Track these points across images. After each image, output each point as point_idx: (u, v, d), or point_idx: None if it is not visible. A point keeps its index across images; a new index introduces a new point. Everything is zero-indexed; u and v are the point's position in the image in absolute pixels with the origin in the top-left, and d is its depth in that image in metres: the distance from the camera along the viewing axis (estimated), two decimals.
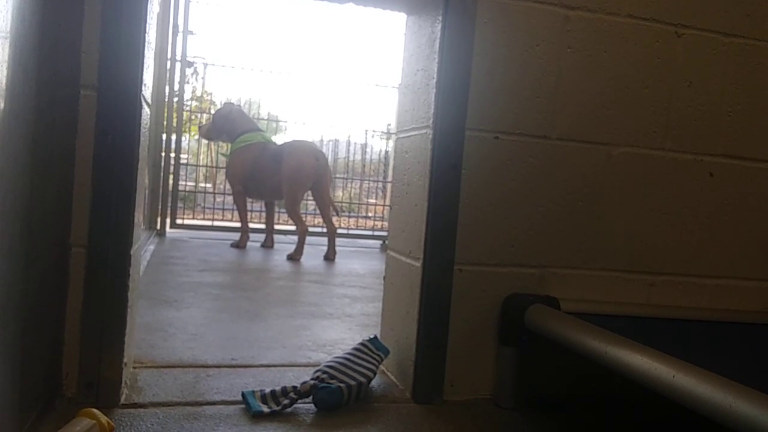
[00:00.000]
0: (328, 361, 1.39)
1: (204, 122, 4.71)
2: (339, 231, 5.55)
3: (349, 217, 6.20)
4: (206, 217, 5.63)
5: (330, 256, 4.04)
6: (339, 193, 6.76)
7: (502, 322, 1.39)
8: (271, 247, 4.39)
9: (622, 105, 1.46)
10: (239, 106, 4.62)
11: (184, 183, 5.13)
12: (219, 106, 4.63)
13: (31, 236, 0.96)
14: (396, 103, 5.42)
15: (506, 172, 1.40)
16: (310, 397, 1.27)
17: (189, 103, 5.77)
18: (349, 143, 6.21)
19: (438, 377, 1.38)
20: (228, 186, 4.55)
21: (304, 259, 3.85)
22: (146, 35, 1.18)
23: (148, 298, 2.20)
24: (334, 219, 4.28)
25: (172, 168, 4.85)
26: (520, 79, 1.39)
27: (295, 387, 1.28)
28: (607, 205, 1.47)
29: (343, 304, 2.44)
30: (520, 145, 1.40)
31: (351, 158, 6.33)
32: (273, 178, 4.06)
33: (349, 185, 6.60)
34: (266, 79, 5.84)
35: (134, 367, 1.41)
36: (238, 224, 4.41)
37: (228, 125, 4.29)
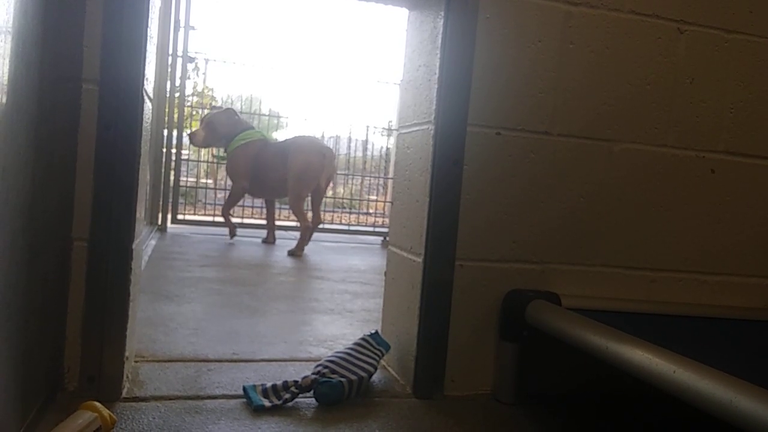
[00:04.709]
0: (329, 356, 1.39)
1: (197, 126, 4.47)
2: (340, 227, 5.57)
3: (350, 213, 6.20)
4: (207, 212, 5.63)
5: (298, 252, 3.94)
6: (340, 190, 6.77)
7: (503, 317, 1.39)
8: (273, 242, 4.39)
9: (624, 101, 1.45)
10: (231, 108, 4.57)
11: (185, 179, 5.12)
12: (211, 111, 4.43)
13: (34, 230, 0.96)
14: (397, 99, 5.42)
15: (508, 168, 1.40)
16: (312, 392, 1.28)
17: (190, 98, 5.76)
18: (350, 140, 6.20)
19: (439, 372, 1.38)
20: (228, 182, 4.53)
21: (303, 255, 3.86)
22: (148, 30, 1.18)
23: (150, 293, 2.20)
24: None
25: (173, 164, 4.85)
26: (521, 75, 1.39)
27: (296, 381, 1.29)
28: (608, 201, 1.47)
29: (344, 300, 2.45)
30: (522, 141, 1.40)
31: (352, 155, 6.32)
32: (277, 174, 4.04)
33: (350, 182, 6.59)
34: (267, 75, 5.83)
35: (136, 361, 1.42)
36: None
37: (229, 129, 4.23)
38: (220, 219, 4.96)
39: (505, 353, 1.39)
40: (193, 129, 4.29)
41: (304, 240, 3.93)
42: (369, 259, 4.02)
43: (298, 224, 4.06)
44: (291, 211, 4.25)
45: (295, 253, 3.84)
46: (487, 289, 1.40)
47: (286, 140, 4.23)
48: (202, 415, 1.17)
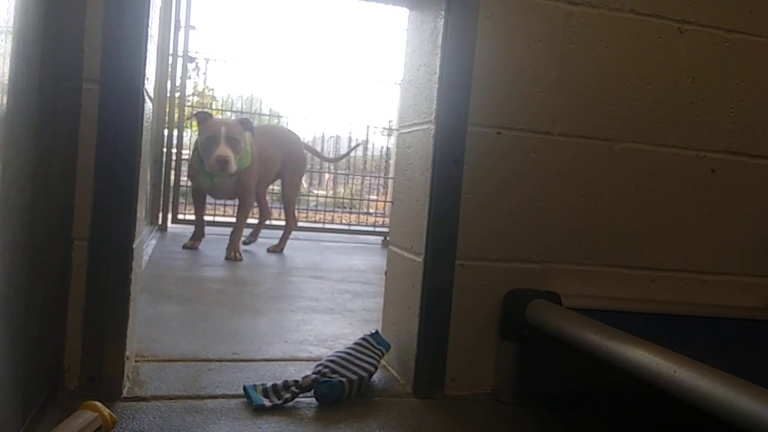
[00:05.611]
0: (329, 356, 1.39)
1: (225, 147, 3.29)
2: (340, 227, 5.57)
3: (351, 213, 6.20)
4: (207, 212, 5.62)
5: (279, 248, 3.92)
6: (341, 190, 6.76)
7: (503, 317, 1.39)
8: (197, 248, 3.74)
9: (624, 101, 1.45)
10: (245, 117, 4.06)
11: (185, 179, 5.11)
12: (218, 123, 3.37)
13: (34, 230, 0.96)
14: (397, 99, 5.42)
15: (508, 168, 1.40)
16: (312, 391, 1.28)
17: (190, 98, 5.76)
18: (350, 139, 6.20)
19: (439, 372, 1.38)
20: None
21: (303, 254, 3.86)
22: (148, 29, 1.18)
23: (150, 293, 2.20)
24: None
25: (173, 164, 4.85)
26: (522, 75, 1.39)
27: (296, 381, 1.29)
28: (608, 201, 1.47)
29: (345, 300, 2.45)
30: (522, 140, 1.40)
31: (352, 154, 6.32)
32: (275, 165, 3.86)
33: (350, 182, 6.59)
34: (267, 75, 5.80)
35: (136, 361, 1.42)
36: (235, 219, 4.36)
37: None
38: (220, 219, 4.94)
39: (506, 353, 1.39)
40: (220, 154, 3.25)
41: (288, 237, 3.94)
42: (369, 258, 4.02)
43: (287, 221, 3.98)
44: (284, 208, 4.05)
45: (277, 250, 3.83)
46: (487, 288, 1.40)
47: (267, 128, 4.13)
48: (203, 415, 1.17)
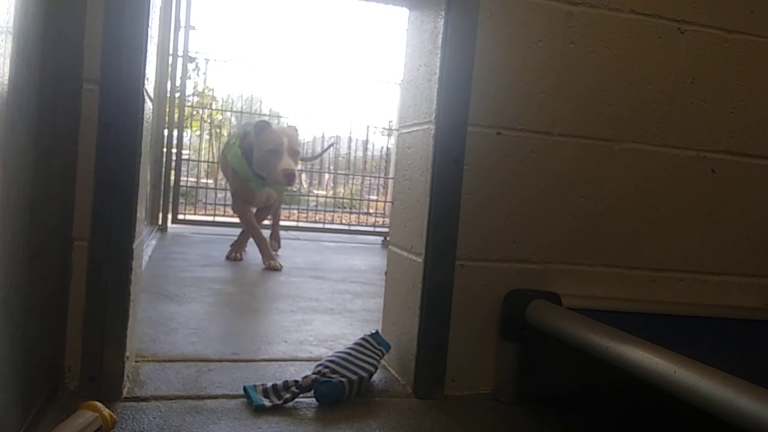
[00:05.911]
0: (329, 356, 1.39)
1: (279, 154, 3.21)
2: (340, 227, 5.57)
3: (351, 213, 6.20)
4: (207, 212, 5.63)
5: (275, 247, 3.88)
6: (341, 190, 6.77)
7: (503, 317, 1.39)
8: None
9: (625, 101, 1.45)
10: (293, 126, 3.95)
11: (185, 179, 5.12)
12: (273, 132, 3.25)
13: (34, 230, 0.96)
14: (397, 99, 5.42)
15: (508, 168, 1.40)
16: (312, 392, 1.28)
17: (190, 98, 5.77)
18: (350, 140, 6.20)
19: (439, 372, 1.38)
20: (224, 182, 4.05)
21: (304, 254, 3.86)
22: (149, 29, 1.18)
23: (150, 293, 2.20)
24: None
25: (173, 164, 4.85)
26: (522, 75, 1.39)
27: (296, 381, 1.29)
28: (608, 201, 1.47)
29: (345, 300, 2.45)
30: (522, 140, 1.40)
31: (352, 155, 6.32)
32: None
33: (350, 182, 6.60)
34: (267, 75, 5.81)
35: (136, 361, 1.42)
36: (237, 219, 4.36)
37: None
38: (221, 219, 4.91)
39: (506, 353, 1.39)
40: (286, 167, 3.15)
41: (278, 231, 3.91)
42: (369, 259, 4.02)
43: (274, 218, 3.92)
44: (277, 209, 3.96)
45: (276, 247, 3.79)
46: (487, 288, 1.40)
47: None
48: (203, 415, 1.17)
